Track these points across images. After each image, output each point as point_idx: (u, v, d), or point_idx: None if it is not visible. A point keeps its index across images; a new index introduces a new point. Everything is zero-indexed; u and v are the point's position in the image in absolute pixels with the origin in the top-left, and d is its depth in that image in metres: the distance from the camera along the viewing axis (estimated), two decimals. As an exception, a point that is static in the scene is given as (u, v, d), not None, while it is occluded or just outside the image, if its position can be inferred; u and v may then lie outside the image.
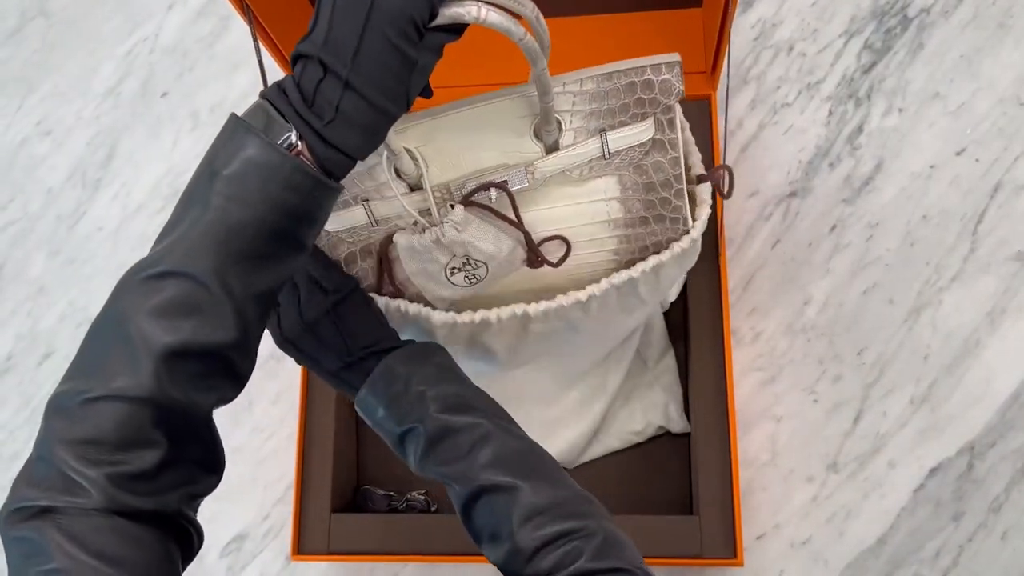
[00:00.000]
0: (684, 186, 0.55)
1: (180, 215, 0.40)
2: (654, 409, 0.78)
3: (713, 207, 0.60)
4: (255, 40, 0.60)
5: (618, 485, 0.79)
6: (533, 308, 0.59)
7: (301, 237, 0.42)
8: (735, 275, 0.82)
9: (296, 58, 0.40)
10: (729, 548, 0.68)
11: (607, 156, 0.53)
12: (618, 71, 0.50)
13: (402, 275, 0.57)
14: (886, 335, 0.79)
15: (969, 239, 0.80)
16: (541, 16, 0.43)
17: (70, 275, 0.95)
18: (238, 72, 0.97)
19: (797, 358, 0.80)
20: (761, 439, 0.78)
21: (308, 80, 0.39)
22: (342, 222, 0.54)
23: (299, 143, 0.39)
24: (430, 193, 0.51)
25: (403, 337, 0.57)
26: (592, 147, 0.52)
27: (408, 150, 0.50)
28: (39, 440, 0.39)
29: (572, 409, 0.77)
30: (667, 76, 0.50)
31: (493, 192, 0.52)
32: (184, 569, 0.43)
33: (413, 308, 0.59)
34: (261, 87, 0.58)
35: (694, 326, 0.73)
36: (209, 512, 0.86)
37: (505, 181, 0.52)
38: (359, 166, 0.51)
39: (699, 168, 0.58)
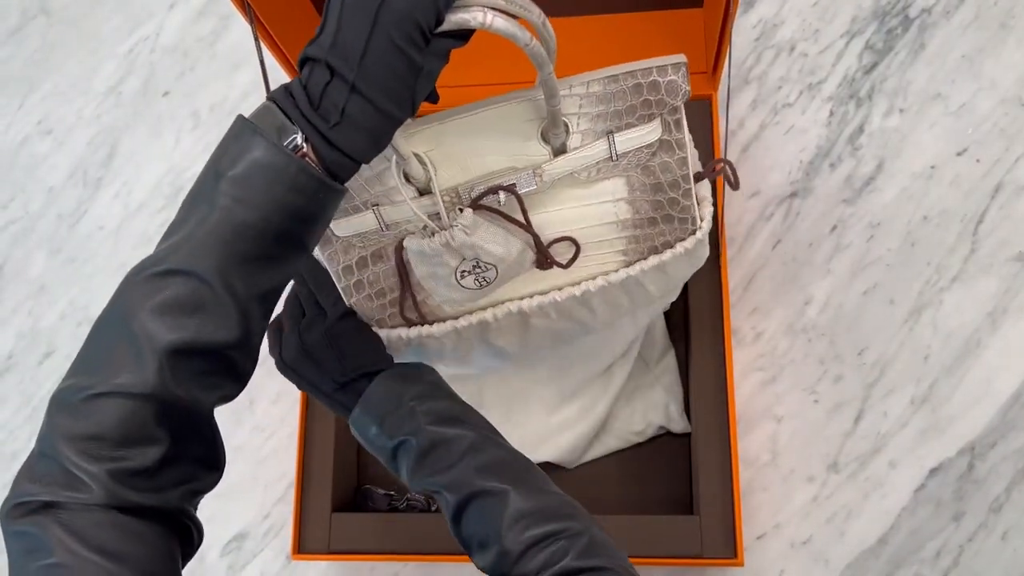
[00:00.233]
0: (692, 186, 0.56)
1: (185, 215, 0.41)
2: (655, 409, 0.78)
3: (714, 205, 0.60)
4: (256, 39, 0.60)
5: (618, 485, 0.79)
6: (527, 304, 0.59)
7: (304, 238, 0.42)
8: (736, 275, 0.82)
9: (303, 61, 0.40)
10: (729, 548, 0.68)
11: (614, 158, 0.53)
12: (624, 73, 0.50)
13: (414, 278, 0.57)
14: (887, 335, 0.79)
15: (970, 239, 0.80)
16: (547, 21, 0.44)
17: (71, 274, 0.95)
18: (239, 71, 0.97)
19: (798, 358, 0.80)
20: (762, 439, 0.78)
21: (315, 83, 0.39)
22: (353, 227, 0.54)
23: (305, 145, 0.40)
24: (439, 197, 0.51)
25: (412, 359, 0.59)
26: (599, 149, 0.52)
27: (417, 155, 0.50)
28: (41, 435, 0.39)
29: (576, 410, 0.77)
30: (673, 77, 0.50)
31: (502, 195, 0.52)
32: (184, 565, 0.43)
33: (413, 332, 0.60)
34: (262, 86, 0.58)
35: (695, 326, 0.73)
36: (209, 511, 0.86)
37: (513, 184, 0.52)
38: (368, 171, 0.51)
39: (697, 166, 0.58)
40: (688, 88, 0.51)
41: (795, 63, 0.87)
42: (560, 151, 0.52)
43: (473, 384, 0.79)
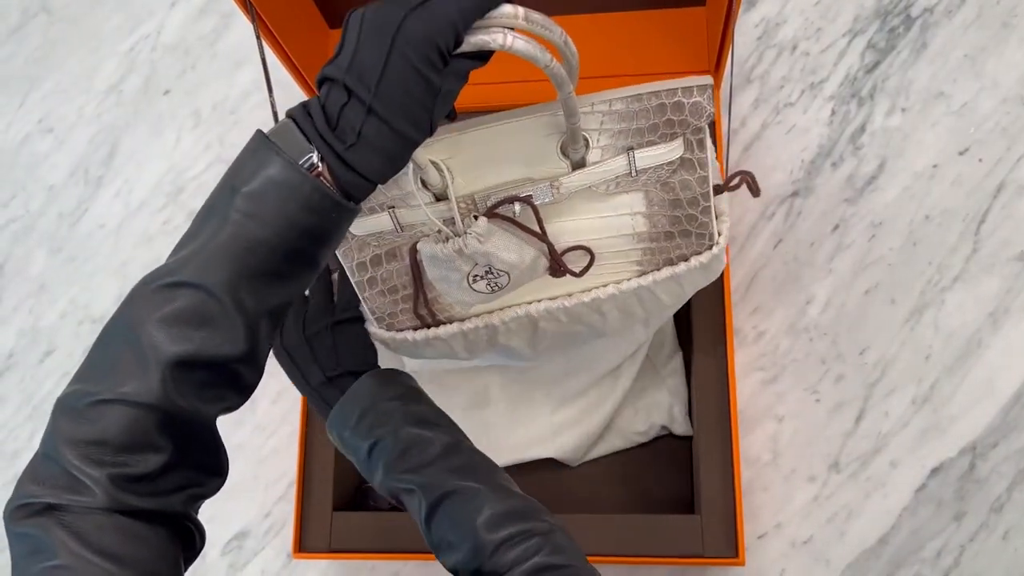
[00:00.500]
0: (711, 204, 0.55)
1: (199, 227, 0.41)
2: (659, 410, 0.78)
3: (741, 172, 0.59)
4: (258, 38, 0.60)
5: (620, 484, 0.79)
6: (536, 308, 0.59)
7: (316, 256, 0.42)
8: (737, 274, 0.82)
9: (322, 81, 0.40)
10: (731, 547, 0.68)
11: (634, 174, 0.53)
12: (648, 92, 0.50)
13: (426, 277, 0.58)
14: (888, 335, 0.79)
15: (972, 239, 0.80)
16: (570, 40, 0.43)
17: (71, 273, 0.95)
18: (240, 70, 0.97)
19: (799, 358, 0.80)
20: (763, 438, 0.78)
21: (332, 103, 0.40)
22: (368, 227, 0.55)
23: (320, 165, 0.40)
24: (455, 203, 0.51)
25: (421, 359, 0.62)
26: (619, 164, 0.52)
27: (434, 162, 0.51)
28: (45, 438, 0.39)
29: (582, 409, 0.77)
30: (699, 99, 0.50)
31: (517, 206, 0.52)
32: (187, 569, 0.43)
33: (420, 335, 0.61)
34: (264, 85, 0.58)
35: (696, 325, 0.73)
36: (210, 510, 0.86)
37: (530, 195, 0.52)
38: None
39: (716, 179, 0.58)
40: (712, 110, 0.50)
41: (797, 62, 0.87)
42: (579, 165, 0.52)
43: (480, 380, 0.79)
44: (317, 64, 0.41)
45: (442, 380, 0.79)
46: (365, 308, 0.61)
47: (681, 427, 0.77)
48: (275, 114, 0.58)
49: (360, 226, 0.55)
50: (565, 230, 0.56)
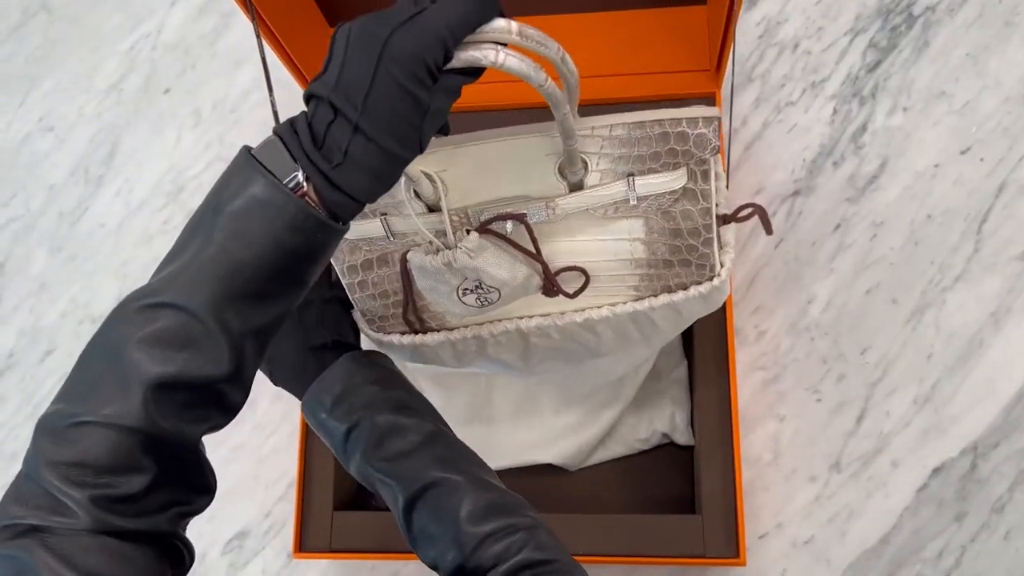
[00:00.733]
0: (714, 235, 0.54)
1: (183, 245, 0.40)
2: (661, 418, 0.78)
3: (717, 204, 0.59)
4: (258, 37, 0.60)
5: (621, 485, 0.79)
6: (526, 324, 0.58)
7: (303, 276, 0.42)
8: (739, 274, 0.82)
9: (309, 97, 0.40)
10: (731, 548, 0.68)
11: (633, 201, 0.51)
12: (652, 121, 0.48)
13: (417, 286, 0.57)
14: (890, 334, 0.79)
15: (973, 239, 0.80)
16: (568, 57, 0.42)
17: (72, 272, 0.95)
18: (240, 69, 0.97)
19: (800, 357, 0.80)
20: (764, 438, 0.78)
21: (319, 121, 0.39)
22: (360, 232, 0.54)
23: (306, 184, 0.39)
24: (447, 215, 0.50)
25: (408, 363, 0.61)
26: (618, 189, 0.51)
27: (427, 174, 0.50)
28: (28, 458, 0.39)
29: (584, 415, 0.77)
30: (704, 131, 0.48)
31: (510, 223, 0.51)
32: None
33: (407, 339, 0.60)
34: (264, 84, 0.58)
35: (698, 324, 0.73)
36: (211, 510, 0.85)
37: (524, 214, 0.51)
38: None
39: (724, 208, 0.56)
40: (718, 143, 0.49)
41: (798, 61, 0.86)
42: (576, 187, 0.51)
43: (481, 381, 0.79)
44: (317, 63, 0.40)
45: (442, 380, 0.79)
46: (356, 307, 0.60)
47: (683, 436, 0.77)
48: (275, 113, 0.58)
49: (352, 230, 0.54)
50: (561, 251, 0.54)
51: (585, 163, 0.50)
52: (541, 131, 0.48)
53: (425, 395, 0.78)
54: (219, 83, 0.97)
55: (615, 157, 0.50)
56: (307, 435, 0.76)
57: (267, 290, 0.40)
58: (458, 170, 0.50)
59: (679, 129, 0.48)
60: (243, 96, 0.96)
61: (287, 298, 0.42)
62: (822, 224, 0.82)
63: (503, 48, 0.39)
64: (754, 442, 0.78)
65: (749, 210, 0.55)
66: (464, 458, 0.53)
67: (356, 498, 0.80)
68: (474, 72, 0.40)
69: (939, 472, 0.76)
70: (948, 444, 0.76)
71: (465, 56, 0.39)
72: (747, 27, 0.88)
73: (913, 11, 0.86)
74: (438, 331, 0.60)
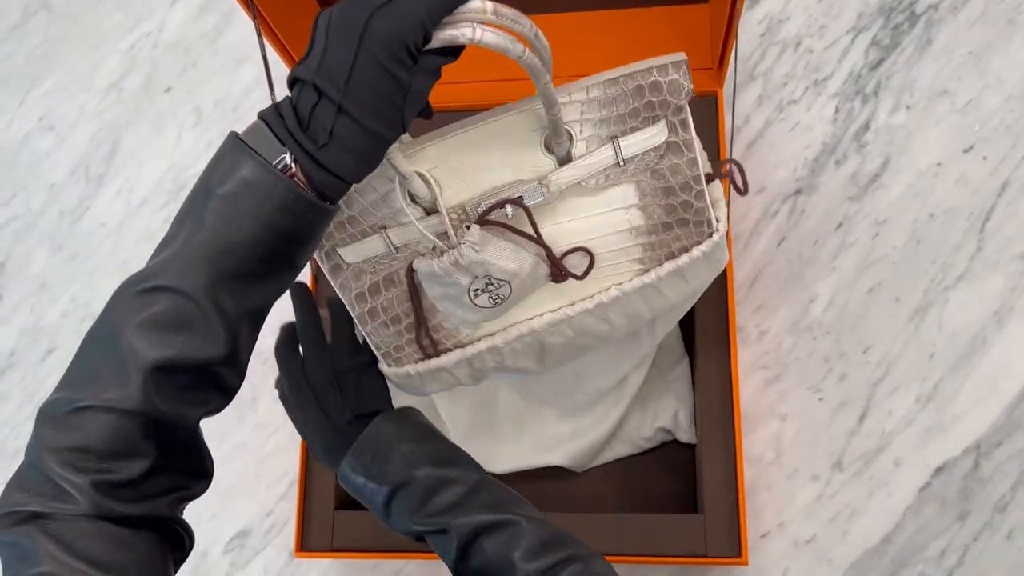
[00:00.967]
0: (704, 187, 0.54)
1: (176, 230, 0.41)
2: (664, 415, 0.78)
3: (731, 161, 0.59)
4: (259, 35, 0.59)
5: (623, 484, 0.79)
6: (538, 322, 0.58)
7: (294, 257, 0.42)
8: (741, 272, 0.82)
9: (293, 82, 0.40)
10: (733, 547, 0.68)
11: (621, 163, 0.52)
12: (624, 75, 0.49)
13: (427, 301, 0.56)
14: (892, 333, 0.79)
15: (976, 237, 0.80)
16: (540, 33, 0.43)
17: (73, 271, 0.95)
18: (241, 68, 0.97)
19: (802, 356, 0.79)
20: (766, 437, 0.78)
21: (303, 104, 0.39)
22: (362, 252, 0.54)
23: (293, 166, 0.40)
24: (445, 216, 0.50)
25: (428, 389, 0.60)
26: (605, 155, 0.51)
27: (420, 173, 0.50)
28: (29, 446, 0.39)
29: (590, 419, 0.77)
30: (675, 76, 0.49)
31: (509, 208, 0.51)
32: (177, 570, 0.43)
33: (422, 367, 0.59)
34: (265, 82, 0.58)
35: (700, 323, 0.73)
36: (212, 509, 0.86)
37: (520, 197, 0.51)
38: (373, 194, 0.51)
39: (706, 166, 0.57)
40: (690, 86, 0.50)
41: (801, 59, 0.86)
42: (565, 160, 0.51)
43: (489, 385, 0.79)
44: (318, 61, 0.41)
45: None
46: (370, 343, 0.59)
47: (686, 434, 0.77)
48: (276, 112, 0.58)
49: (354, 252, 0.54)
50: (561, 233, 0.54)
51: (570, 134, 0.50)
52: (522, 107, 0.49)
53: (434, 399, 0.79)
54: (220, 81, 0.97)
55: (596, 121, 0.50)
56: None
57: (259, 271, 0.41)
58: (448, 165, 0.50)
59: (652, 79, 0.49)
60: (244, 94, 0.96)
61: (278, 279, 0.42)
62: (824, 223, 0.82)
63: (479, 25, 0.40)
64: (756, 441, 0.78)
65: (729, 165, 0.56)
66: (512, 500, 0.52)
67: (357, 497, 0.80)
68: (454, 51, 0.41)
69: (941, 471, 0.75)
70: (950, 443, 0.76)
71: (444, 35, 0.40)
72: (749, 25, 0.87)
73: (916, 9, 0.86)
74: (453, 350, 0.59)
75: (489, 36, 0.40)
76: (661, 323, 0.69)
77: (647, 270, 0.57)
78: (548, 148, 0.51)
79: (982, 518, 0.74)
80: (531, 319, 0.59)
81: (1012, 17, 0.84)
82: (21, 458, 0.40)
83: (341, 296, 0.57)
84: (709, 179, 0.56)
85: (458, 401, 0.78)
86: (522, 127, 0.50)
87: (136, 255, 0.94)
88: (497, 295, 0.53)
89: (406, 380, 0.60)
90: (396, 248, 0.53)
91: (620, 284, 0.57)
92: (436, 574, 0.79)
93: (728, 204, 0.73)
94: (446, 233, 0.51)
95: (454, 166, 0.50)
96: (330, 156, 0.40)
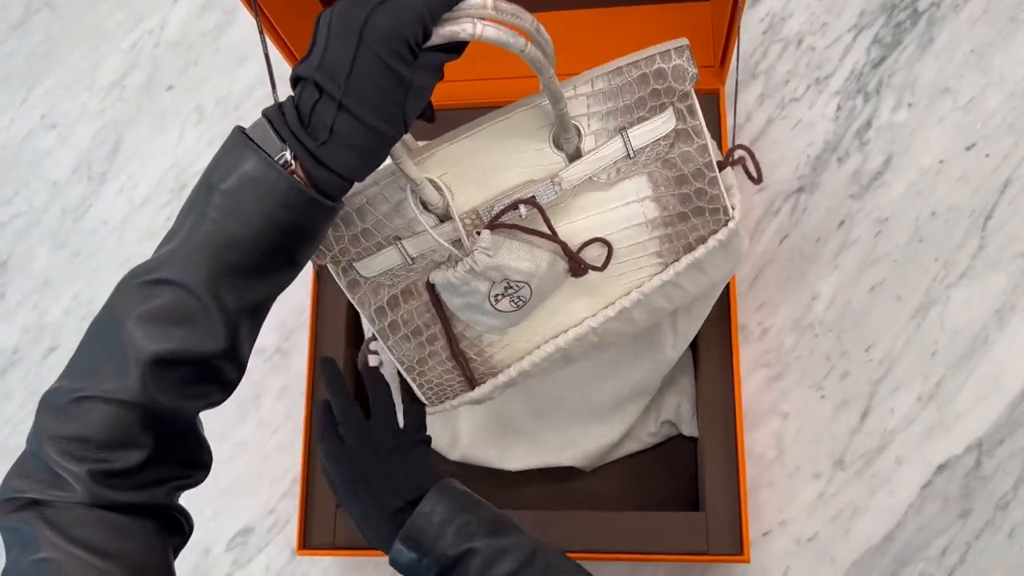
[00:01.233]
0: (717, 174, 0.53)
1: (179, 224, 0.41)
2: (667, 408, 0.78)
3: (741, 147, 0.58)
4: (261, 33, 0.59)
5: (625, 482, 0.79)
6: (564, 339, 0.58)
7: (296, 253, 0.42)
8: (743, 270, 0.82)
9: (295, 80, 0.40)
10: (735, 545, 0.68)
11: (632, 155, 0.51)
12: (628, 64, 0.49)
13: (450, 309, 0.56)
14: (894, 331, 0.79)
15: (978, 235, 0.80)
16: (542, 27, 0.42)
17: (75, 268, 0.95)
18: (243, 66, 0.97)
19: (804, 354, 0.79)
20: (768, 435, 0.78)
21: (305, 102, 0.40)
22: (378, 265, 0.53)
23: (294, 162, 0.40)
24: (459, 222, 0.50)
25: (457, 409, 0.60)
26: (615, 147, 0.51)
27: (431, 180, 0.49)
28: (30, 435, 0.40)
29: (605, 417, 0.77)
30: (678, 61, 0.49)
31: (523, 209, 0.50)
32: (177, 555, 0.44)
33: (457, 401, 0.60)
34: (267, 80, 0.58)
35: (702, 322, 0.73)
36: (215, 506, 0.86)
37: (533, 197, 0.51)
38: (386, 205, 0.51)
39: (717, 155, 0.56)
40: (695, 71, 0.49)
41: (803, 57, 0.86)
42: (575, 156, 0.51)
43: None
44: (321, 59, 0.41)
45: None
46: (391, 358, 0.58)
47: (688, 427, 0.77)
48: (279, 110, 0.58)
49: (370, 267, 0.53)
50: (577, 231, 0.54)
51: (578, 129, 0.50)
52: (527, 105, 0.49)
53: None
54: (222, 80, 0.97)
55: (603, 114, 0.50)
56: (311, 432, 0.76)
57: (261, 266, 0.41)
58: (459, 169, 0.50)
59: (656, 66, 0.48)
60: (246, 93, 0.96)
61: (281, 275, 0.43)
62: (826, 221, 0.82)
63: (480, 21, 0.40)
64: (758, 439, 0.78)
65: (739, 153, 0.55)
66: (565, 566, 0.52)
67: (359, 495, 0.81)
68: (456, 48, 0.41)
69: (943, 469, 0.75)
70: (952, 441, 0.76)
71: (444, 31, 0.40)
72: (751, 23, 0.87)
73: (918, 7, 0.85)
74: (484, 382, 0.59)
75: (490, 31, 0.40)
76: (683, 325, 0.69)
77: (665, 264, 0.57)
78: (557, 145, 0.50)
79: (984, 516, 0.74)
80: (556, 337, 0.58)
81: (1014, 15, 0.84)
82: (23, 456, 0.41)
83: (360, 311, 0.56)
84: (720, 167, 0.55)
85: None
86: (529, 125, 0.49)
87: (138, 253, 0.94)
88: (518, 298, 0.53)
89: (446, 413, 0.61)
90: (412, 259, 0.53)
91: (640, 287, 0.57)
92: (438, 572, 0.80)
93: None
94: (460, 240, 0.51)
95: (464, 170, 0.50)
96: (330, 153, 0.40)
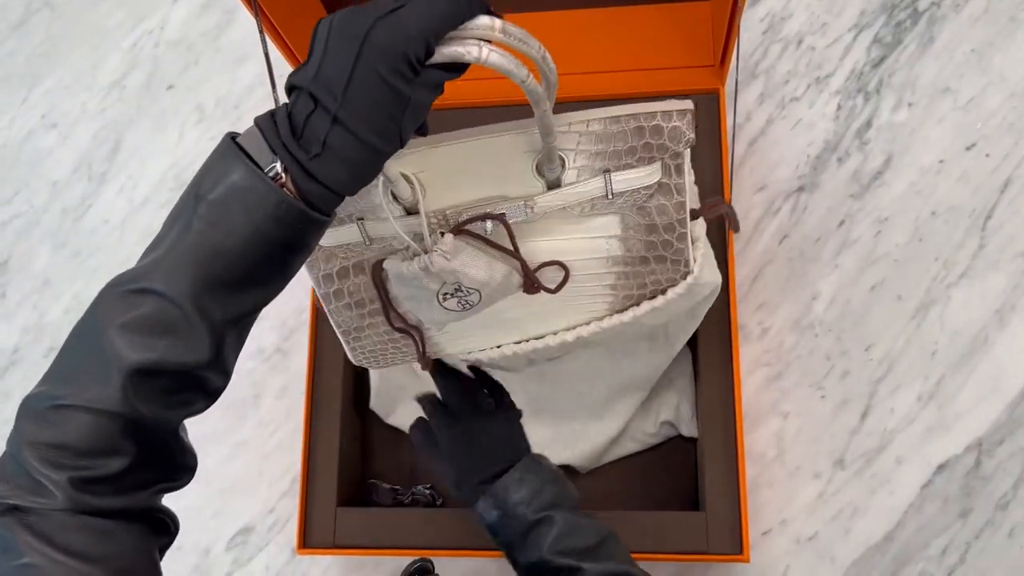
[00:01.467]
0: (688, 230, 0.54)
1: (165, 232, 0.40)
2: (667, 408, 0.78)
3: (725, 208, 0.59)
4: (261, 33, 0.60)
5: (625, 481, 0.79)
6: (522, 348, 0.59)
7: (284, 265, 0.41)
8: (743, 270, 0.82)
9: (291, 88, 0.39)
10: (735, 544, 0.68)
11: (610, 196, 0.51)
12: (627, 115, 0.48)
13: (393, 293, 0.56)
14: (894, 331, 0.79)
15: (978, 235, 0.80)
16: (548, 55, 0.42)
17: (75, 268, 0.95)
18: (243, 65, 0.97)
19: (804, 354, 0.79)
20: (768, 435, 0.78)
21: (299, 112, 0.38)
22: (336, 238, 0.53)
23: (284, 175, 0.39)
24: (424, 219, 0.50)
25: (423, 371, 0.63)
26: (595, 186, 0.51)
27: (405, 175, 0.49)
28: (10, 438, 0.39)
29: (601, 417, 0.77)
30: (678, 124, 0.48)
31: (489, 223, 0.50)
32: (163, 555, 0.43)
33: (390, 365, 0.61)
34: (267, 80, 0.58)
35: (702, 321, 0.73)
36: (215, 506, 0.86)
37: (503, 214, 0.51)
38: None
39: (695, 202, 0.57)
40: (692, 136, 0.49)
41: (803, 57, 0.86)
42: (554, 185, 0.51)
43: (504, 383, 0.79)
44: (320, 59, 0.40)
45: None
46: (331, 322, 0.59)
47: (688, 428, 0.77)
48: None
49: (328, 237, 0.53)
50: (539, 250, 0.54)
51: (563, 160, 0.50)
52: (518, 129, 0.48)
53: None
54: (222, 79, 0.97)
55: (592, 153, 0.50)
56: (311, 431, 0.76)
57: (248, 278, 0.40)
58: (436, 171, 0.50)
59: (654, 123, 0.48)
60: (246, 92, 0.96)
61: (268, 287, 0.42)
62: (826, 220, 0.82)
63: (486, 44, 0.39)
64: (758, 439, 0.78)
65: (716, 208, 0.56)
66: (629, 559, 0.56)
67: (359, 494, 0.81)
68: (457, 68, 0.40)
69: (943, 469, 0.75)
70: (952, 441, 0.76)
71: (448, 51, 0.39)
72: (751, 23, 0.87)
73: (918, 7, 0.85)
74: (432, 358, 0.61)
75: (494, 57, 0.39)
76: (675, 332, 0.69)
77: (619, 297, 0.57)
78: (539, 171, 0.50)
79: (984, 516, 0.74)
80: (516, 343, 0.60)
81: (1014, 15, 0.84)
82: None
83: (307, 273, 0.56)
84: (694, 216, 0.55)
85: None
86: (516, 148, 0.49)
87: (138, 252, 0.93)
88: (466, 301, 0.53)
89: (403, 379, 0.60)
90: (371, 240, 0.53)
91: (600, 319, 0.58)
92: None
93: (729, 200, 0.74)
94: (422, 236, 0.50)
95: (441, 172, 0.50)
96: (322, 167, 0.39)
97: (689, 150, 0.50)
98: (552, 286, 0.55)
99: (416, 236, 0.51)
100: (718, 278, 0.60)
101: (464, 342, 0.60)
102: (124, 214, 0.95)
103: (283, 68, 0.73)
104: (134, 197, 0.96)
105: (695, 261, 0.56)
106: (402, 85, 0.38)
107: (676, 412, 0.77)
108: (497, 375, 0.77)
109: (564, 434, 0.77)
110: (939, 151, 0.82)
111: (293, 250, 0.41)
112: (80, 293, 0.94)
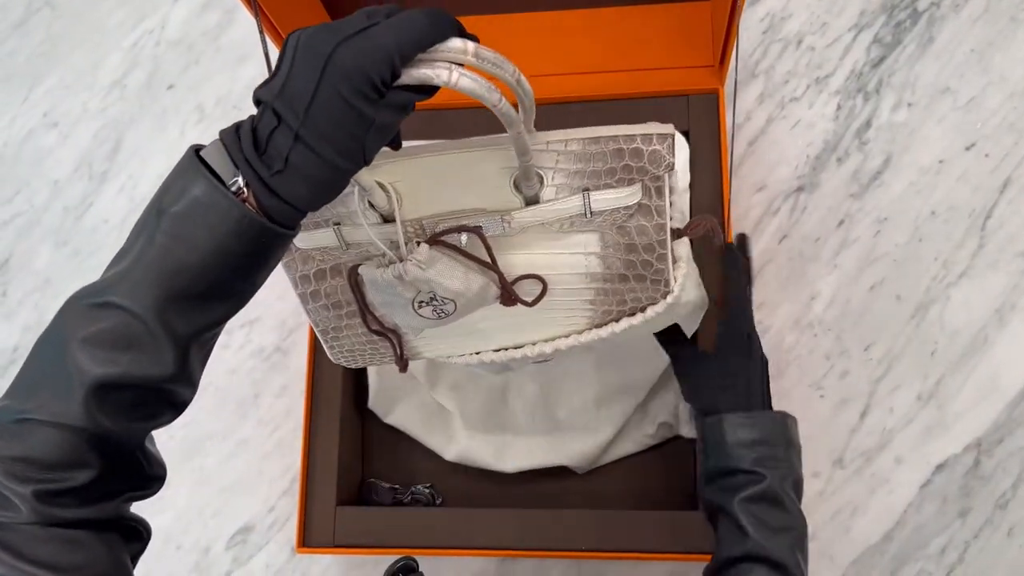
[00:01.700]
0: (668, 251, 0.54)
1: (129, 245, 0.40)
2: (664, 409, 0.78)
3: (721, 204, 0.59)
4: (261, 33, 0.60)
5: (624, 481, 0.79)
6: (500, 356, 0.59)
7: (247, 279, 0.41)
8: (742, 270, 0.82)
9: (257, 101, 0.39)
10: (734, 544, 0.68)
11: (588, 215, 0.51)
12: (607, 136, 0.48)
13: (369, 298, 0.56)
14: (894, 331, 0.79)
15: (978, 235, 0.80)
16: (524, 79, 0.41)
17: (76, 267, 0.95)
18: (244, 65, 0.97)
19: (804, 353, 0.80)
20: (767, 435, 0.78)
21: (263, 127, 0.38)
22: (313, 241, 0.53)
23: (246, 190, 0.39)
24: (400, 227, 0.49)
25: (427, 372, 0.62)
26: (574, 204, 0.50)
27: (380, 183, 0.49)
28: None
29: (599, 417, 0.77)
30: (658, 147, 0.48)
31: (464, 235, 0.50)
32: (136, 562, 0.43)
33: (368, 364, 0.60)
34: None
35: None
36: (215, 505, 0.86)
37: (480, 227, 0.50)
38: None
39: (678, 222, 0.56)
40: (672, 160, 0.48)
41: (802, 56, 0.86)
42: (532, 201, 0.50)
43: (498, 384, 0.79)
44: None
45: (459, 384, 0.79)
46: (310, 320, 0.59)
47: (686, 429, 0.77)
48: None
49: (305, 239, 0.53)
50: (517, 263, 0.54)
51: (541, 177, 0.49)
52: (496, 144, 0.48)
53: (442, 400, 0.79)
54: (222, 79, 0.97)
55: (571, 172, 0.49)
56: (311, 431, 0.76)
57: (212, 292, 0.40)
58: (413, 181, 0.49)
59: (634, 145, 0.48)
60: (247, 92, 0.96)
61: (232, 300, 0.41)
62: (826, 220, 0.82)
63: (457, 67, 0.38)
64: (757, 438, 0.78)
65: (701, 227, 0.55)
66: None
67: (359, 493, 0.81)
68: (427, 90, 0.39)
69: (943, 468, 0.76)
70: (952, 440, 0.76)
71: (417, 74, 0.38)
72: (751, 23, 0.87)
73: (918, 7, 0.85)
74: (414, 358, 0.61)
75: (465, 82, 0.38)
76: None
77: (597, 311, 0.57)
78: (517, 187, 0.50)
79: (983, 515, 0.74)
80: (495, 351, 0.59)
81: (1014, 14, 0.84)
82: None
83: (285, 273, 0.56)
84: (678, 235, 0.55)
85: (468, 400, 0.79)
86: (494, 162, 0.49)
87: (139, 252, 0.95)
88: (441, 310, 0.53)
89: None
90: (347, 245, 0.53)
91: (580, 333, 0.58)
92: (436, 571, 0.80)
93: (729, 201, 0.74)
94: (397, 244, 0.50)
95: (418, 183, 0.50)
96: (284, 183, 0.38)
97: (668, 175, 0.50)
98: (529, 299, 0.54)
99: (392, 244, 0.50)
100: (702, 296, 0.60)
101: (442, 347, 0.60)
102: (125, 213, 0.96)
103: (283, 68, 0.73)
104: (135, 196, 0.96)
105: (676, 281, 0.56)
106: (365, 106, 0.37)
107: (674, 413, 0.77)
108: (498, 375, 0.78)
109: (562, 436, 0.78)
110: (939, 151, 0.82)
111: (257, 264, 0.41)
112: (81, 292, 0.95)
